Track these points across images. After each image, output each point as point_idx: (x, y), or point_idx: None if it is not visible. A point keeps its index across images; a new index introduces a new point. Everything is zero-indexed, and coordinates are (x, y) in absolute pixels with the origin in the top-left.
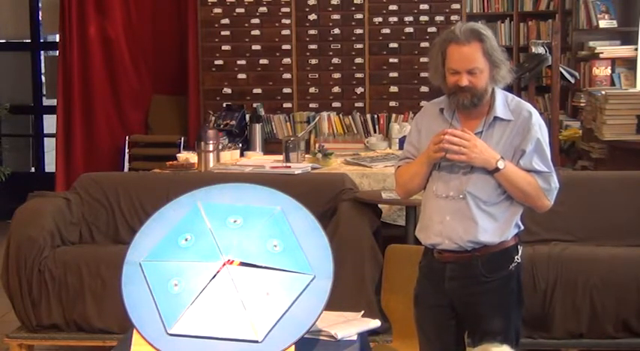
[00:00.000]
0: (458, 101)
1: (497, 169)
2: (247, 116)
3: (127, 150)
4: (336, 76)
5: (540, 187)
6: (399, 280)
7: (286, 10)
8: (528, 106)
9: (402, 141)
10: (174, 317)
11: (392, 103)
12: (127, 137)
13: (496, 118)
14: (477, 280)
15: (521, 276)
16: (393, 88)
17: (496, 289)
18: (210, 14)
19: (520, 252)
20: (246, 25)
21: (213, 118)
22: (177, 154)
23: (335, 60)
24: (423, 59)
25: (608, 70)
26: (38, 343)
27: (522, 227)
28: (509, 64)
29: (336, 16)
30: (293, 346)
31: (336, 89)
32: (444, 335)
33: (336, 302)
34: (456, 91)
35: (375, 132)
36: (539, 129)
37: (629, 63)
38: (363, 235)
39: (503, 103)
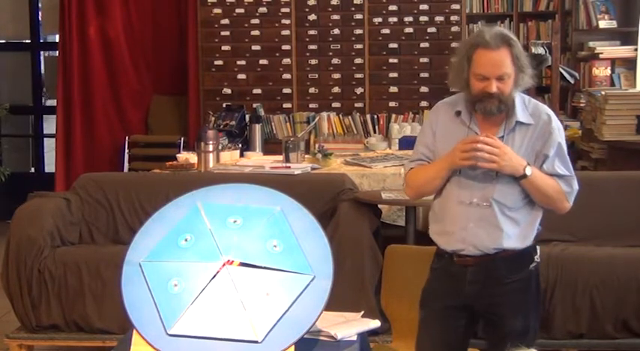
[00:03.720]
0: (485, 108)
1: (524, 176)
2: (247, 116)
3: (126, 150)
4: (336, 76)
5: (563, 190)
6: (399, 281)
7: (286, 10)
8: (546, 108)
9: (401, 141)
10: (174, 317)
11: (392, 104)
12: (127, 137)
13: (517, 122)
14: (499, 282)
15: (539, 276)
16: (393, 89)
17: (518, 289)
18: (210, 14)
19: (538, 252)
20: (246, 25)
21: (213, 119)
22: (177, 155)
23: (335, 60)
24: (422, 59)
25: (608, 71)
26: (38, 344)
27: (540, 228)
28: (532, 70)
29: (335, 17)
30: (293, 347)
31: (335, 89)
32: (450, 337)
33: (335, 302)
34: (483, 97)
35: (374, 132)
36: (559, 132)
37: (629, 63)
38: (363, 235)
39: (522, 106)
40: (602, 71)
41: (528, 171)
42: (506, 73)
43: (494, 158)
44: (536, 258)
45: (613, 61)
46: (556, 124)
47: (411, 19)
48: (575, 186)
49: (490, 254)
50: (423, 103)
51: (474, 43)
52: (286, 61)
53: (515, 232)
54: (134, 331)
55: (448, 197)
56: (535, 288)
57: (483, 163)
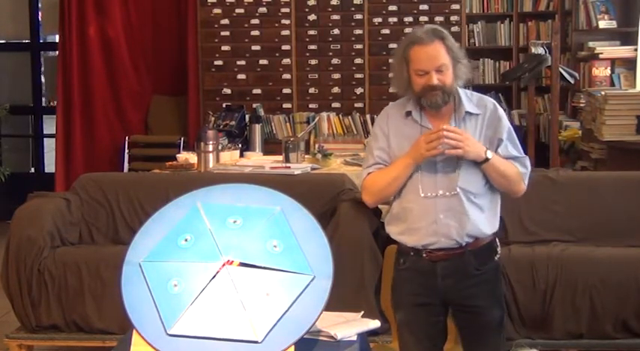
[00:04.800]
0: (430, 101)
1: (486, 159)
2: (247, 117)
3: (126, 150)
4: (336, 76)
5: (519, 171)
6: None
7: (286, 10)
8: (488, 98)
9: None
10: (173, 317)
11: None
12: (127, 137)
13: (466, 112)
14: (470, 274)
15: (501, 267)
16: (393, 89)
17: (488, 280)
18: (210, 15)
19: (499, 243)
20: (246, 25)
21: (213, 119)
22: (177, 155)
23: (335, 60)
24: None
25: (608, 71)
26: (38, 344)
27: (502, 218)
28: (467, 61)
29: (335, 17)
30: (293, 347)
31: (335, 90)
32: (434, 332)
33: (335, 302)
34: (426, 92)
35: None
36: (506, 118)
37: (629, 63)
38: (363, 235)
39: (467, 98)
40: (602, 71)
41: (489, 154)
42: (444, 63)
43: (459, 144)
44: (498, 249)
45: (613, 62)
46: (502, 111)
47: (411, 19)
48: (529, 166)
49: (462, 246)
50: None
51: (408, 42)
52: (286, 61)
53: (482, 218)
54: (134, 331)
55: (411, 195)
56: (501, 279)
57: (450, 151)
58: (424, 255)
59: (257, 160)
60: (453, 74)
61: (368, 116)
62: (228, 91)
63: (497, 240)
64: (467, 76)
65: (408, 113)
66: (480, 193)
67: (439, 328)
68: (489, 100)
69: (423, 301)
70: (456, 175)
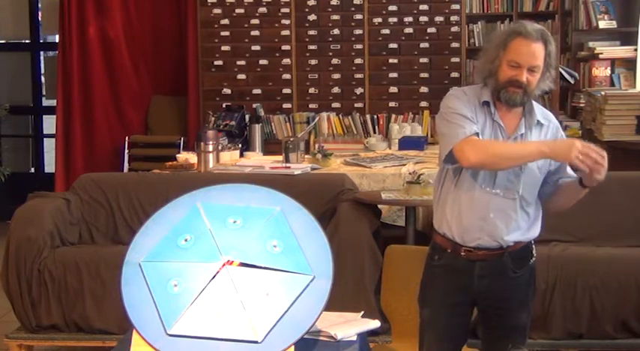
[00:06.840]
0: (510, 97)
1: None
2: (247, 117)
3: (126, 150)
4: (336, 76)
5: None
6: (399, 281)
7: (286, 10)
8: (549, 112)
9: (401, 142)
10: (173, 318)
11: (391, 104)
12: (127, 138)
13: (537, 121)
14: (507, 276)
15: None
16: (393, 89)
17: (523, 283)
18: (210, 15)
19: (534, 246)
20: (246, 25)
21: (213, 119)
22: (177, 155)
23: (334, 60)
24: (422, 60)
25: (608, 71)
26: (38, 344)
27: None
28: (554, 73)
29: (335, 17)
30: (293, 347)
31: (335, 90)
32: (456, 333)
33: (335, 303)
34: (508, 85)
35: (374, 132)
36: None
37: (629, 63)
38: (363, 235)
39: (537, 107)
40: (601, 71)
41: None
42: (538, 65)
43: (603, 171)
44: (534, 252)
45: (613, 62)
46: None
47: (411, 19)
48: None
49: (502, 247)
50: (423, 104)
51: (514, 31)
52: (286, 61)
53: (526, 226)
54: (134, 331)
55: (466, 185)
56: (534, 283)
57: (596, 176)
58: (462, 253)
59: (257, 160)
60: (539, 80)
61: (368, 116)
62: (228, 91)
63: (532, 242)
64: (546, 88)
65: (485, 103)
66: (532, 202)
67: (462, 329)
68: (551, 114)
69: (453, 301)
70: (519, 180)
